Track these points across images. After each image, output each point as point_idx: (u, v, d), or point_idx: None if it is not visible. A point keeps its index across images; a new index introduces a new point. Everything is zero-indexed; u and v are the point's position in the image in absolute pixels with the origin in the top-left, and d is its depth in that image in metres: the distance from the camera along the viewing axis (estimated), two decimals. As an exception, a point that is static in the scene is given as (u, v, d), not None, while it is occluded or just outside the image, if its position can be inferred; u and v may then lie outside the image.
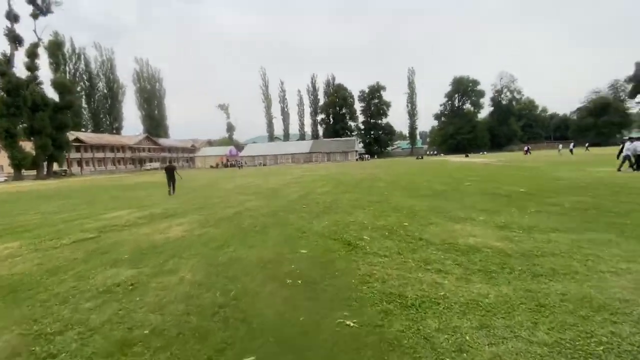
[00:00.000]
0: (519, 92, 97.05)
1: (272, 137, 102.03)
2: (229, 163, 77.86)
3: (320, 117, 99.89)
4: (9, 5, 43.13)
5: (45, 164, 49.05)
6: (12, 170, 45.76)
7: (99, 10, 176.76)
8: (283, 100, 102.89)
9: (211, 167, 78.70)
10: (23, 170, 45.21)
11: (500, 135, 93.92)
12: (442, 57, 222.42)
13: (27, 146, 47.07)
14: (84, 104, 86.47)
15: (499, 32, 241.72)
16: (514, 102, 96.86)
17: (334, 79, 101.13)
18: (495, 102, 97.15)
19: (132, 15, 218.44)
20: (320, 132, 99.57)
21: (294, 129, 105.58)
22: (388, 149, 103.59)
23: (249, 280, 3.85)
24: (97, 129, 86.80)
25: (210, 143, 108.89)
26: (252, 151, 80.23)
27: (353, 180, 17.85)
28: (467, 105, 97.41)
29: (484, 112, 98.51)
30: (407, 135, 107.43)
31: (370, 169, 29.74)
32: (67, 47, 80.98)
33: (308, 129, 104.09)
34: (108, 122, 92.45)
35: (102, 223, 8.10)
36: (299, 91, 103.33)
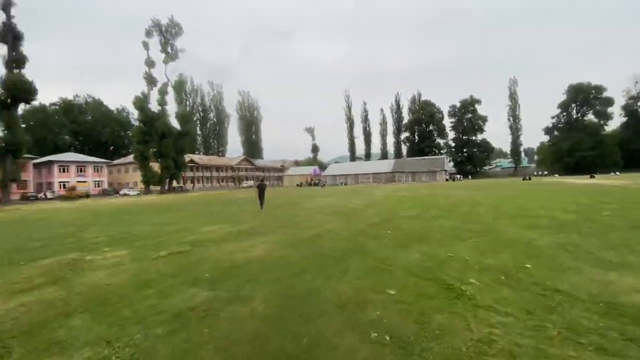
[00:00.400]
0: (662, 98, 75.94)
1: (353, 157, 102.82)
2: (312, 182, 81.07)
3: (403, 135, 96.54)
4: (148, 54, 55.01)
5: (167, 181, 59.30)
6: (142, 186, 56.57)
7: (211, 51, 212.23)
8: (365, 120, 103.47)
9: (297, 185, 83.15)
10: (151, 187, 55.43)
11: (637, 151, 74.23)
12: (543, 67, 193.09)
13: (155, 167, 58.00)
14: (198, 131, 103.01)
15: (623, 31, 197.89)
16: (655, 111, 75.90)
17: (419, 95, 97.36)
18: (630, 110, 78.13)
19: (237, 52, 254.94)
20: (404, 152, 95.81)
21: (375, 148, 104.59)
22: (484, 168, 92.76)
23: (325, 325, 3.20)
24: (207, 151, 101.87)
25: (297, 163, 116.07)
26: (334, 171, 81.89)
27: (445, 203, 15.91)
28: (590, 116, 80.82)
29: (613, 124, 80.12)
30: (509, 152, 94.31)
31: (465, 190, 26.54)
32: (188, 85, 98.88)
33: (391, 149, 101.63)
34: (215, 146, 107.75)
35: (196, 237, 8.68)
36: (382, 110, 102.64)
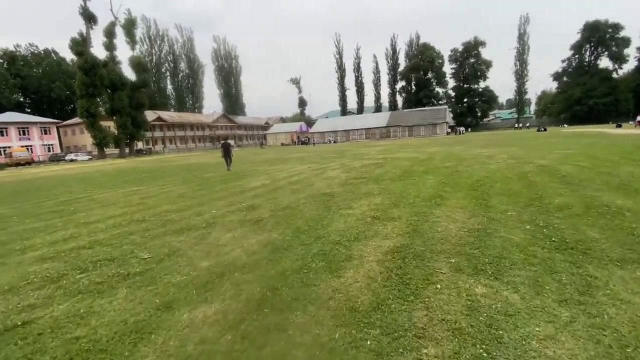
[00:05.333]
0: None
1: (345, 111, 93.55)
2: (299, 140, 73.30)
3: (399, 85, 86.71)
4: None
5: (128, 143, 51.09)
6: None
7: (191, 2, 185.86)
8: (358, 69, 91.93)
9: (282, 144, 75.46)
10: (106, 150, 47.41)
11: (649, 99, 67.17)
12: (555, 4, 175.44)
13: (112, 126, 49.27)
14: (168, 85, 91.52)
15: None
16: (674, 52, 67.23)
17: (418, 38, 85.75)
18: (645, 53, 69.29)
19: (219, 3, 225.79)
20: (400, 104, 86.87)
21: (369, 101, 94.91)
22: (484, 120, 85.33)
23: None
24: (181, 108, 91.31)
25: (283, 120, 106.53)
26: (323, 127, 73.64)
27: (485, 170, 9.27)
28: (604, 60, 72.34)
29: (627, 68, 72.15)
30: (514, 101, 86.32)
31: (486, 146, 19.80)
32: (152, 30, 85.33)
33: (385, 101, 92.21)
34: (190, 102, 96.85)
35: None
36: (375, 56, 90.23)
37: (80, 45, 42.69)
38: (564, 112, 72.45)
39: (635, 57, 71.05)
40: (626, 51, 69.99)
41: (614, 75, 72.78)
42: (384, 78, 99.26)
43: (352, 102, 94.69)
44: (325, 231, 4.66)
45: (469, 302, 2.52)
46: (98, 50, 45.22)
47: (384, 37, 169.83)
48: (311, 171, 12.78)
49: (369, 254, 3.67)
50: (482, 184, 7.44)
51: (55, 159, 48.04)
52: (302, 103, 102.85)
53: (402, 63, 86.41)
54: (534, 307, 2.42)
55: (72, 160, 43.48)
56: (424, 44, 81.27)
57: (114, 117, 47.60)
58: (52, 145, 54.32)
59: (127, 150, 50.61)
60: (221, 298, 2.86)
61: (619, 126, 38.92)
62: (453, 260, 3.34)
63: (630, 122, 49.26)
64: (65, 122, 59.78)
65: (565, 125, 63.30)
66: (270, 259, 3.72)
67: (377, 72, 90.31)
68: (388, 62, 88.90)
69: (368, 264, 3.39)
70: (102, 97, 46.97)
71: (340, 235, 4.43)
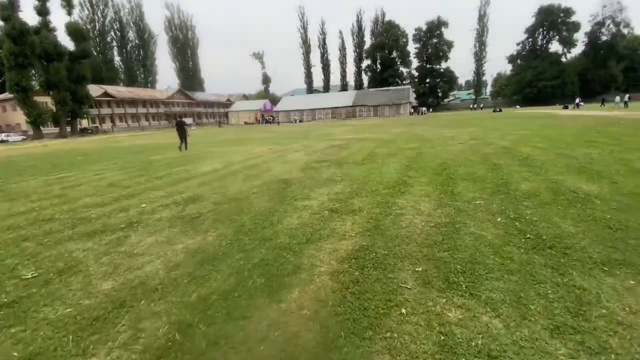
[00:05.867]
0: (627, 26, 72.54)
1: (310, 89, 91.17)
2: (263, 119, 70.54)
3: (365, 63, 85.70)
4: None
5: (69, 121, 45.58)
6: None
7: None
8: (323, 45, 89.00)
9: (245, 123, 72.22)
10: (44, 128, 42.01)
11: (594, 82, 72.69)
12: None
13: (51, 102, 43.42)
14: (116, 56, 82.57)
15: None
16: (617, 39, 72.60)
17: (383, 15, 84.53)
18: (593, 37, 74.16)
19: None
20: (365, 83, 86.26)
21: (335, 79, 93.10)
22: (445, 100, 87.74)
23: None
24: (132, 82, 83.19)
25: (246, 97, 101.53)
26: (288, 105, 71.26)
27: (455, 151, 8.99)
28: (554, 44, 76.55)
29: (575, 52, 77.08)
30: (472, 83, 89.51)
31: (452, 128, 19.94)
32: (92, -7, 75.26)
33: (351, 79, 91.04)
34: (142, 76, 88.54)
35: None
36: (341, 32, 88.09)
37: (6, 9, 36.14)
38: (517, 93, 76.38)
39: (583, 41, 75.93)
40: (575, 35, 74.47)
41: (563, 59, 77.53)
42: (350, 57, 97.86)
43: (318, 81, 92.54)
44: (274, 230, 3.90)
45: (442, 337, 1.93)
46: (29, 15, 38.70)
47: (351, 11, 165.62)
48: (271, 153, 11.83)
49: (322, 263, 2.99)
50: (446, 168, 7.07)
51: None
52: (266, 80, 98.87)
53: (368, 41, 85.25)
54: (521, 340, 1.88)
55: (2, 142, 37.93)
56: (389, 21, 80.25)
57: (51, 92, 41.84)
58: (-25, 123, 47.10)
59: (69, 129, 45.26)
60: (107, 348, 2.02)
61: (566, 107, 41.73)
62: (420, 269, 2.76)
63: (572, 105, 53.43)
64: (-11, 97, 51.79)
65: (518, 107, 66.93)
66: (196, 275, 2.90)
67: (343, 49, 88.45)
68: (354, 39, 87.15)
69: (319, 279, 2.71)
70: (35, 68, 40.70)
71: (290, 235, 3.70)
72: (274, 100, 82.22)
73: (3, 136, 39.91)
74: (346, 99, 66.85)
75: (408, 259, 2.96)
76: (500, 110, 45.89)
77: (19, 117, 47.74)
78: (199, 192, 6.11)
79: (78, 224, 4.57)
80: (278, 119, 64.62)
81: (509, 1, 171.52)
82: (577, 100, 41.36)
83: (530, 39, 79.35)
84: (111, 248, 3.65)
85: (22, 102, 38.38)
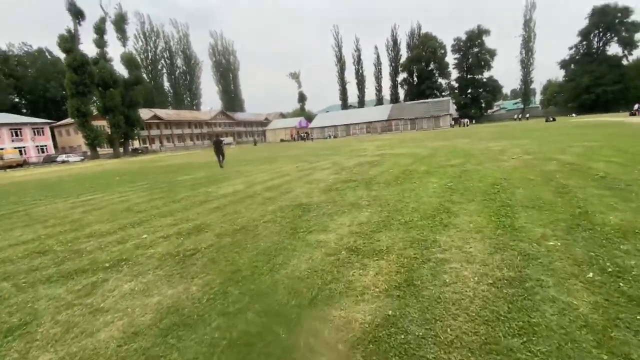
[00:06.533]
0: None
1: (345, 105, 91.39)
2: (299, 136, 71.50)
3: (401, 77, 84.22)
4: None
5: (122, 142, 49.66)
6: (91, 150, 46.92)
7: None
8: (358, 62, 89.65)
9: (281, 140, 73.74)
10: (100, 149, 46.05)
11: (658, 85, 64.10)
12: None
13: (107, 125, 47.72)
14: (165, 82, 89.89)
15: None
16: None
17: (419, 28, 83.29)
18: (656, 37, 65.95)
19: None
20: (402, 97, 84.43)
21: (370, 95, 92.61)
22: (488, 111, 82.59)
23: None
24: (179, 105, 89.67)
25: (283, 115, 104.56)
26: (322, 122, 71.65)
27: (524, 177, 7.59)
28: (613, 46, 69.45)
29: (637, 54, 69.09)
30: (519, 91, 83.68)
31: (494, 138, 17.99)
32: (146, 26, 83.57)
33: (387, 94, 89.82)
34: (188, 99, 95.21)
35: None
36: (376, 47, 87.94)
37: (68, 42, 41.08)
38: (572, 101, 69.72)
39: (646, 41, 67.88)
40: (637, 36, 66.99)
41: (624, 61, 69.87)
42: (386, 70, 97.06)
43: (353, 96, 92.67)
44: (273, 280, 3.05)
45: None
46: (89, 48, 43.75)
47: (385, 28, 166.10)
48: (297, 172, 11.16)
49: (324, 348, 2.05)
50: (500, 190, 5.77)
51: (49, 161, 46.84)
52: (302, 98, 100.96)
53: (404, 54, 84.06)
54: None
55: (63, 162, 42.18)
56: (425, 34, 78.67)
57: (107, 116, 46.14)
58: (45, 146, 53.11)
59: (121, 149, 49.27)
60: None
61: (633, 114, 36.72)
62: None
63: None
64: (59, 123, 58.54)
65: (574, 115, 60.75)
66: (150, 355, 2.12)
67: (378, 64, 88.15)
68: (389, 53, 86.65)
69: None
70: (93, 95, 45.37)
71: (292, 290, 2.82)
72: (310, 118, 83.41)
73: (64, 157, 44.37)
74: (381, 112, 65.64)
75: (457, 350, 1.92)
76: (554, 120, 41.69)
77: (79, 139, 53.11)
78: (208, 220, 5.50)
79: (67, 260, 4.10)
80: (312, 136, 65.04)
81: (558, 4, 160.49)
82: (636, 107, 36.71)
83: (584, 42, 72.78)
84: (79, 298, 3.04)
85: (82, 125, 42.62)
